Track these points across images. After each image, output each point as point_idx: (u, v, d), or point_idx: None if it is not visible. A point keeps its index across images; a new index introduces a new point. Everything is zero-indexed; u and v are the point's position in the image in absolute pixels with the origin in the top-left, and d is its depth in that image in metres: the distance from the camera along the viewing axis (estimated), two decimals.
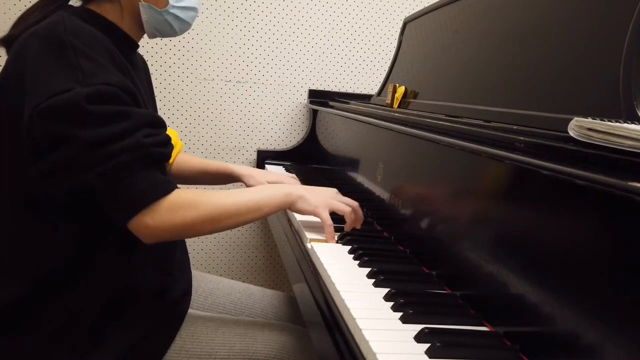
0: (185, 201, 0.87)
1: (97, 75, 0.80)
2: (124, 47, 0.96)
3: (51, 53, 0.81)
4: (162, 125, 0.89)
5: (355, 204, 1.06)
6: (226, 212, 0.89)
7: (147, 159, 0.83)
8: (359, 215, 1.06)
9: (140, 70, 1.05)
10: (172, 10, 0.98)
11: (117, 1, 0.94)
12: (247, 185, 1.36)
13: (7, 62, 0.87)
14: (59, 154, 0.79)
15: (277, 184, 1.06)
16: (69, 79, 0.79)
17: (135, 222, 0.83)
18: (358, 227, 1.06)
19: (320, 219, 1.00)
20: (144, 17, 0.97)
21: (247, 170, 1.38)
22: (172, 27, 1.01)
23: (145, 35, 1.02)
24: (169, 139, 0.89)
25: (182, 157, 1.37)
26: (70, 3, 0.96)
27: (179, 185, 0.90)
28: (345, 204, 1.03)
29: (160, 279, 0.96)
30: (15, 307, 0.85)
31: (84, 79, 0.79)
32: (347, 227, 1.05)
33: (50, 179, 0.82)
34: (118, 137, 0.80)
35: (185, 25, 1.03)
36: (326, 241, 1.01)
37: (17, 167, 0.85)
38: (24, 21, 0.92)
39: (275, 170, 1.79)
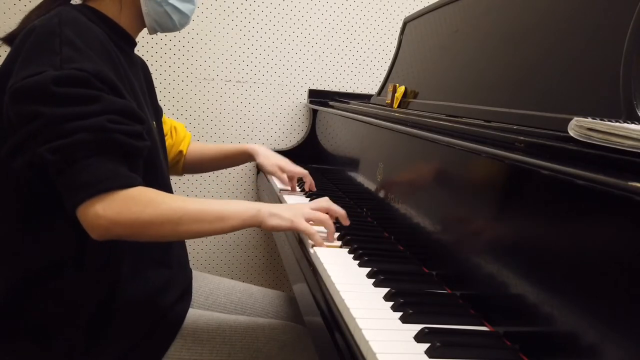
0: (145, 197, 0.82)
1: (74, 61, 0.80)
2: (122, 43, 0.96)
3: (40, 42, 0.83)
4: (137, 118, 0.86)
5: (328, 206, 0.99)
6: (188, 215, 0.83)
7: (110, 145, 0.81)
8: (340, 214, 1.01)
9: (138, 69, 1.04)
10: (171, 1, 0.98)
11: None
12: (258, 163, 1.38)
13: (7, 56, 0.88)
14: (23, 131, 0.79)
15: (247, 202, 0.94)
16: (46, 63, 0.80)
17: (84, 209, 0.78)
18: (346, 223, 1.02)
19: (302, 232, 0.95)
20: (144, 9, 0.97)
21: (260, 149, 1.39)
22: (171, 19, 1.01)
23: (145, 34, 1.02)
24: (141, 133, 0.86)
25: (195, 145, 1.38)
26: (71, 2, 0.96)
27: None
28: (319, 211, 0.96)
29: (160, 275, 0.95)
30: (7, 305, 0.85)
31: (60, 64, 0.80)
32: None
33: (13, 159, 0.81)
34: (79, 117, 0.79)
35: (185, 19, 1.03)
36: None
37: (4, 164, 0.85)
38: (27, 19, 0.93)
39: None
